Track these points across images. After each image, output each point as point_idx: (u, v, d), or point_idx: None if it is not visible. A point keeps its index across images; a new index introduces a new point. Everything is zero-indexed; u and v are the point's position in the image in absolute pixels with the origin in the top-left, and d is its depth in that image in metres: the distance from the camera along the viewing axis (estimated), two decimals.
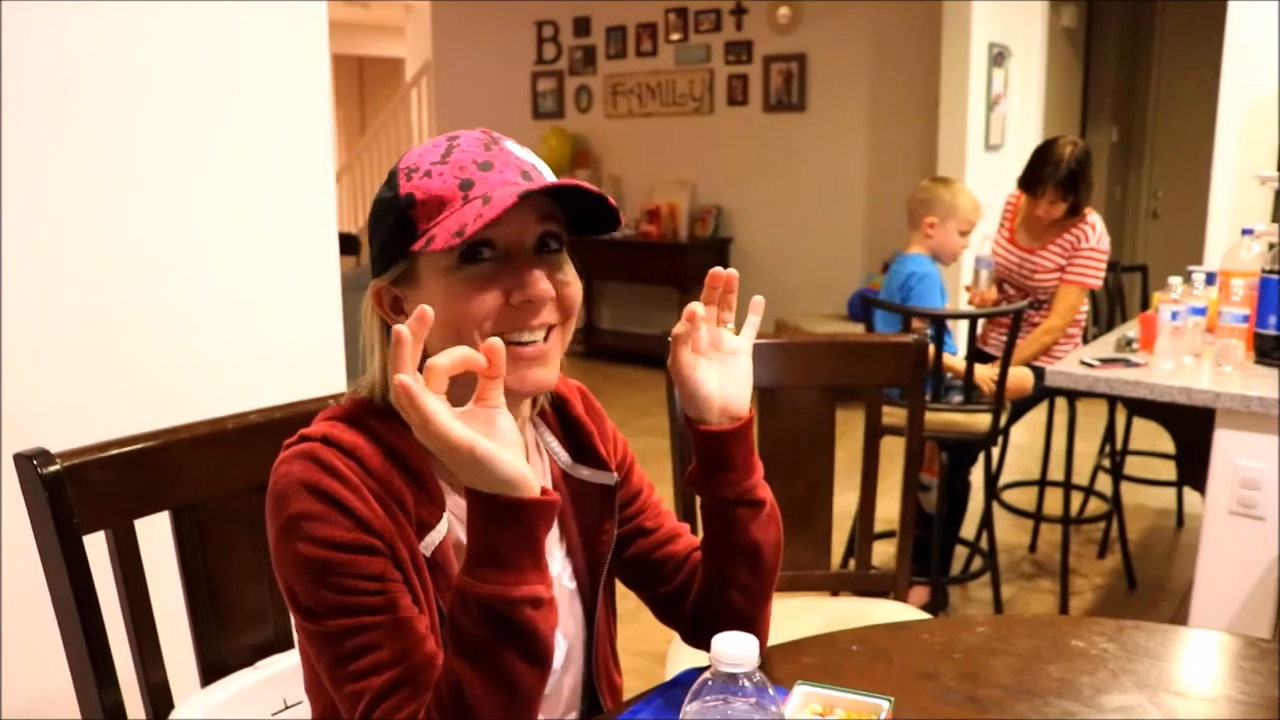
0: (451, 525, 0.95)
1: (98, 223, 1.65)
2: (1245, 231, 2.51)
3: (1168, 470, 3.80)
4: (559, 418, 1.07)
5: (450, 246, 0.85)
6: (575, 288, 0.93)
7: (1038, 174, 3.05)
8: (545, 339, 0.92)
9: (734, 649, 0.75)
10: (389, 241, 0.91)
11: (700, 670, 0.79)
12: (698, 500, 1.06)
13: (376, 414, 0.93)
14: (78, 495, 1.07)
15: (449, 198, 0.88)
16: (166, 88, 1.72)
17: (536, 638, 0.81)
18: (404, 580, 0.88)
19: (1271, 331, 2.25)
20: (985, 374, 2.89)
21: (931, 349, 2.74)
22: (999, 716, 0.98)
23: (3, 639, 1.56)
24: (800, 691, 0.94)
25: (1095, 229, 3.09)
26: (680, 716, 0.77)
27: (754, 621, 1.05)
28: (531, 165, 0.93)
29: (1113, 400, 3.24)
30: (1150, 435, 3.58)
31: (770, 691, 0.76)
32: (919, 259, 2.97)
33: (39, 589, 1.09)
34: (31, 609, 1.10)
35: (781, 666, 1.06)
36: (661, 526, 1.11)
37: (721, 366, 1.00)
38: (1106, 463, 3.56)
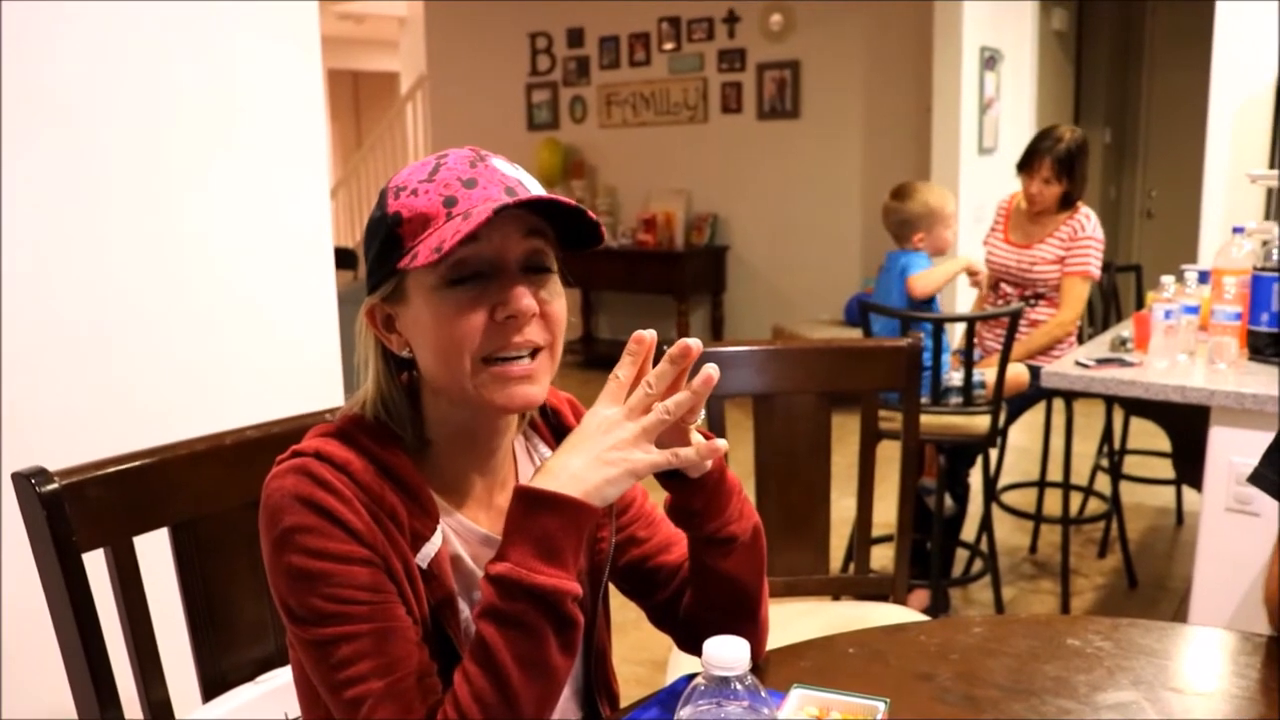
0: (448, 537, 0.96)
1: (94, 239, 1.66)
2: (1236, 230, 2.52)
3: (1166, 469, 3.80)
4: (551, 428, 1.08)
5: (430, 262, 0.85)
6: (559, 305, 0.93)
7: (1035, 149, 3.12)
8: (532, 358, 0.92)
9: (725, 653, 0.75)
10: (379, 259, 0.92)
11: (695, 676, 0.80)
12: None
13: (368, 430, 0.94)
14: (76, 513, 1.07)
15: (433, 215, 0.89)
16: (161, 104, 1.73)
17: (577, 630, 0.87)
18: (397, 593, 0.89)
19: (1264, 328, 2.26)
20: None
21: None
22: (995, 716, 0.99)
23: (4, 655, 1.56)
24: (797, 694, 0.95)
25: (1090, 219, 3.12)
26: None
27: (747, 632, 1.05)
28: (517, 181, 0.93)
29: (1110, 400, 3.25)
30: (1148, 434, 3.58)
31: (763, 694, 0.77)
32: (912, 254, 2.99)
33: (40, 605, 1.09)
34: (33, 625, 1.10)
35: (779, 670, 1.07)
36: (654, 536, 1.11)
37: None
38: (1105, 462, 3.57)
